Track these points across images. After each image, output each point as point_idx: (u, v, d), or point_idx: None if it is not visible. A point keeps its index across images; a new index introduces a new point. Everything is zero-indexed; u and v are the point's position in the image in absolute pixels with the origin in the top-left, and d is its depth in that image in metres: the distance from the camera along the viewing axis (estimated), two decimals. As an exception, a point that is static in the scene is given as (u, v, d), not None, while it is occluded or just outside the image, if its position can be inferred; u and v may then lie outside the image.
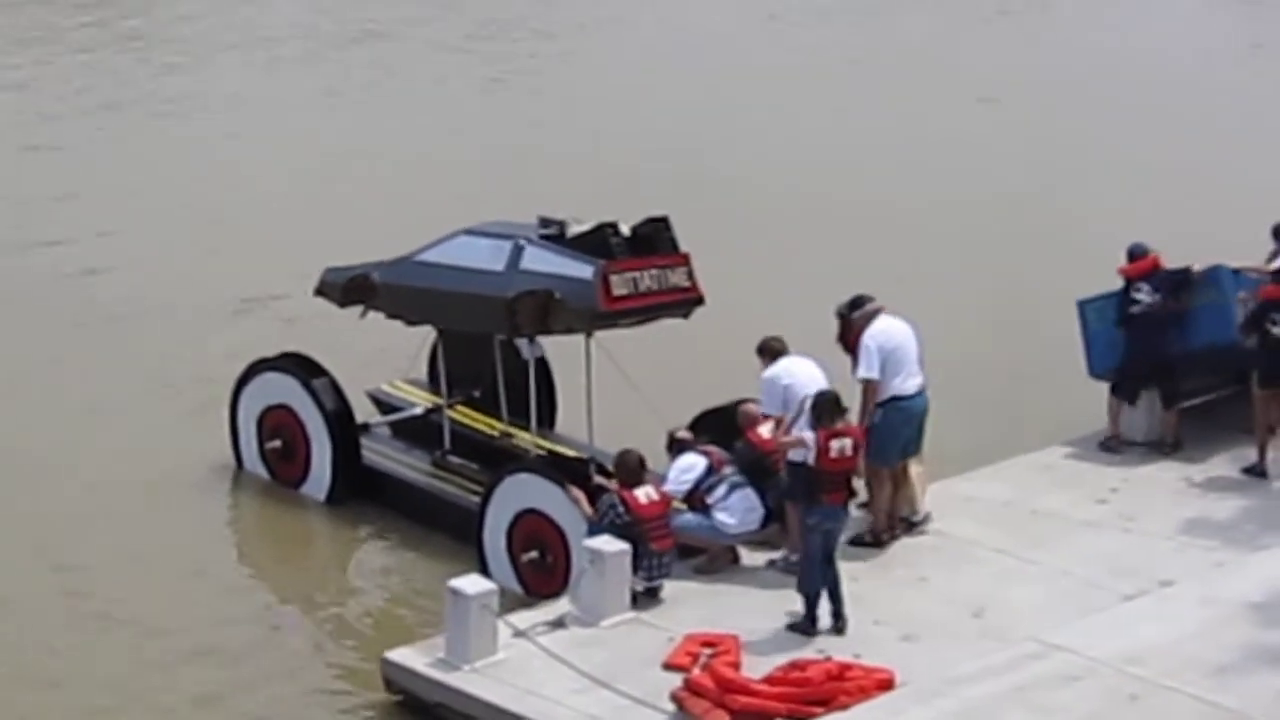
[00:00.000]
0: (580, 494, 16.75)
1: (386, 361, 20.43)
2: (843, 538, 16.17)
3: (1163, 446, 19.26)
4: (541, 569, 17.09)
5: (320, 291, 19.16)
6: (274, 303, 23.72)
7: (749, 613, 15.98)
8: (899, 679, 14.87)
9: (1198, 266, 19.17)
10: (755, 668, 15.00)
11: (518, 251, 17.76)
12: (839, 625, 15.66)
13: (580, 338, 18.06)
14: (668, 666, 15.13)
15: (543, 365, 19.20)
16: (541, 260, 17.64)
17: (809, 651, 15.30)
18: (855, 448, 15.74)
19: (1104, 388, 19.53)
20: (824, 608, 15.70)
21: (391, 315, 18.85)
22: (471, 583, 15.37)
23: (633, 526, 16.02)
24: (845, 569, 15.90)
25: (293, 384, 19.02)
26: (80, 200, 28.49)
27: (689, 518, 16.76)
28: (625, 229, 17.88)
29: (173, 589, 17.40)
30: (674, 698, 14.69)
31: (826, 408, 15.72)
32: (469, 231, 18.29)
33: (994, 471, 18.87)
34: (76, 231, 27.02)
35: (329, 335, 20.52)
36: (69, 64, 36.43)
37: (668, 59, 38.15)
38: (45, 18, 39.45)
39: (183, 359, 22.31)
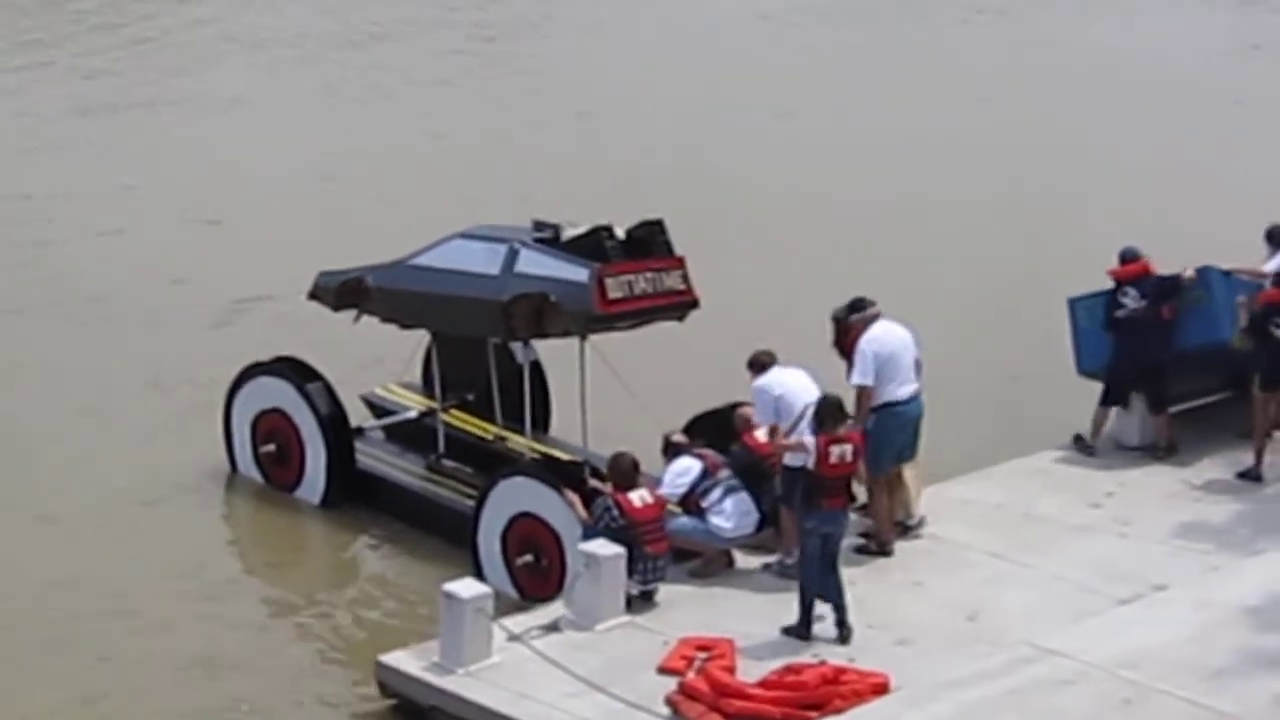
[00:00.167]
0: (575, 497, 16.74)
1: (380, 365, 20.41)
2: (845, 544, 16.17)
3: (1156, 451, 19.26)
4: (536, 572, 17.10)
5: (314, 295, 19.17)
6: (269, 305, 23.69)
7: (744, 616, 15.98)
8: (894, 683, 14.89)
9: (1189, 272, 19.16)
10: (750, 671, 15.02)
11: (513, 255, 17.76)
12: (843, 634, 15.64)
13: (574, 341, 18.05)
14: (662, 670, 15.14)
15: (537, 368, 19.21)
16: (536, 263, 17.64)
17: (804, 655, 15.29)
18: (855, 453, 15.74)
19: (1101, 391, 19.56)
20: (824, 613, 15.66)
21: (386, 319, 18.86)
22: (466, 586, 15.39)
23: (627, 530, 16.03)
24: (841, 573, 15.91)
25: (287, 388, 19.02)
26: (78, 201, 28.47)
27: (684, 521, 16.76)
28: (620, 232, 17.89)
29: (166, 593, 17.39)
30: (669, 701, 14.71)
31: (829, 412, 15.72)
32: (464, 235, 18.29)
33: (988, 475, 18.87)
34: (73, 232, 27.01)
35: (323, 338, 20.49)
36: (68, 65, 36.39)
37: (666, 59, 38.10)
38: (47, 19, 39.44)
39: (177, 361, 22.29)
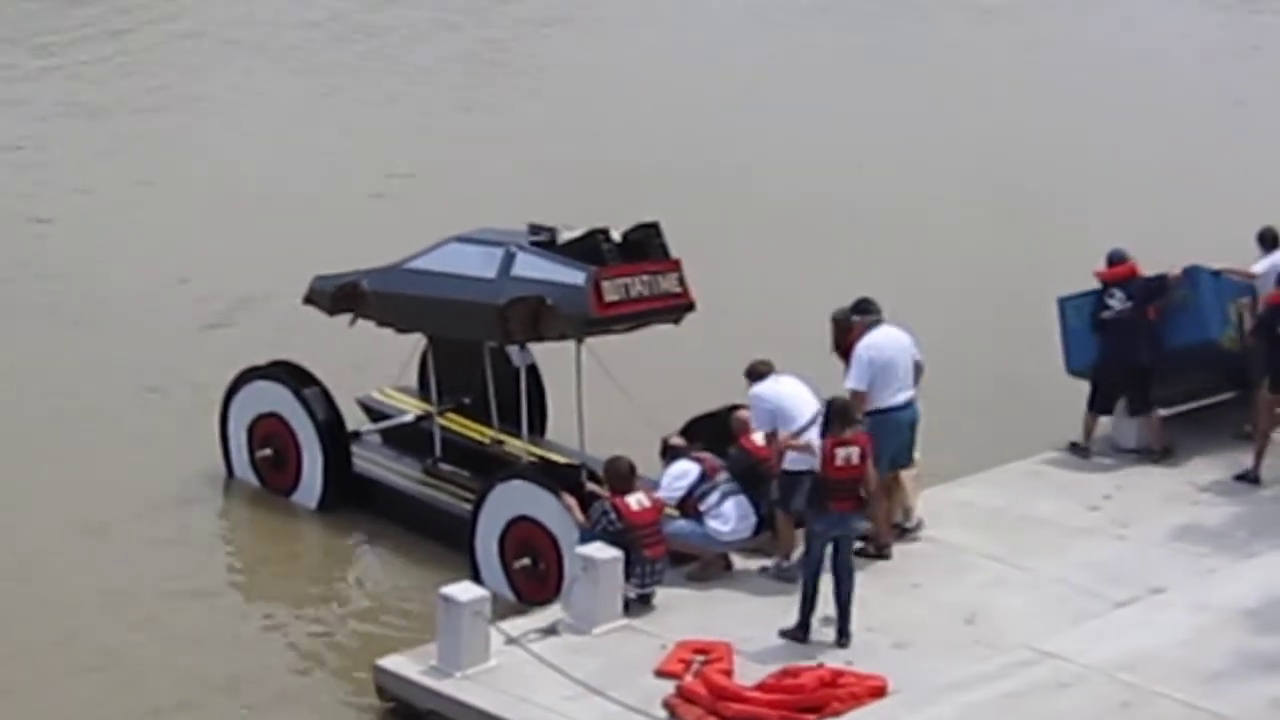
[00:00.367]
0: (572, 501, 16.72)
1: (376, 368, 20.39)
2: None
3: (1151, 455, 19.24)
4: (534, 576, 17.08)
5: (309, 300, 19.14)
6: (264, 307, 23.67)
7: (741, 620, 15.97)
8: (891, 686, 14.87)
9: (1176, 271, 19.18)
10: (748, 674, 15.00)
11: (509, 258, 17.73)
12: (842, 641, 15.61)
13: (570, 344, 18.03)
14: (660, 673, 15.12)
15: (533, 372, 19.18)
16: (533, 267, 17.62)
17: (801, 658, 15.27)
18: (862, 456, 15.67)
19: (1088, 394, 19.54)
20: (830, 614, 15.64)
21: (381, 323, 18.83)
22: (464, 590, 15.36)
23: (625, 533, 16.01)
24: (837, 575, 15.92)
25: (284, 393, 19.00)
26: (77, 200, 28.47)
27: (682, 524, 16.74)
28: (616, 235, 17.88)
29: (161, 596, 17.37)
30: (666, 705, 14.70)
31: (837, 414, 15.70)
32: (460, 239, 18.25)
33: (986, 478, 18.86)
34: (70, 231, 26.99)
35: (319, 341, 20.46)
36: (67, 65, 36.41)
37: (666, 60, 38.11)
38: (47, 20, 39.45)
39: (173, 363, 22.27)
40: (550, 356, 18.98)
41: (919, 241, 27.03)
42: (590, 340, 17.97)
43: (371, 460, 19.25)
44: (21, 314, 24.11)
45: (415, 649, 15.68)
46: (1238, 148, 32.19)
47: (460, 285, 17.88)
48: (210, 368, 20.99)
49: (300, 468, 18.98)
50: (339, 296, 18.76)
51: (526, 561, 17.08)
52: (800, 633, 15.64)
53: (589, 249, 17.67)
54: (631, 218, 18.30)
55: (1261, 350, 18.80)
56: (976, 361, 22.23)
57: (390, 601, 17.59)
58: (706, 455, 17.02)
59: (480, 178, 29.07)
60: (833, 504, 15.59)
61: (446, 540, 17.88)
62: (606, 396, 18.28)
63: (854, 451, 15.60)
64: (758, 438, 16.84)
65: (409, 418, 19.78)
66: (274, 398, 19.06)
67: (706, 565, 16.86)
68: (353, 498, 18.92)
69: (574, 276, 17.40)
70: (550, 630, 15.75)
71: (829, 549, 15.67)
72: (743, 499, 16.78)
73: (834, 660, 15.24)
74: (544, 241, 17.85)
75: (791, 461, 16.32)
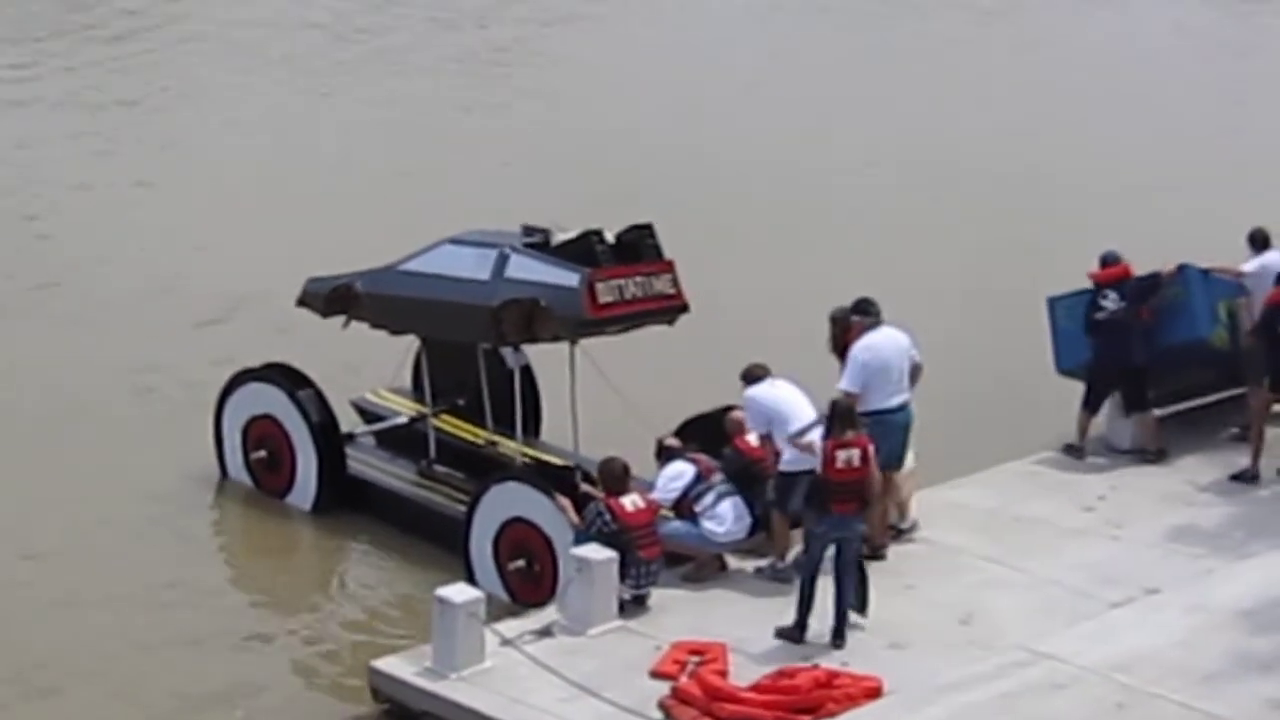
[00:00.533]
0: (567, 502, 16.72)
1: (371, 370, 20.37)
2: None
3: (1145, 455, 19.22)
4: (528, 577, 17.07)
5: (303, 302, 19.12)
6: (259, 308, 23.63)
7: (737, 621, 15.95)
8: (887, 687, 14.85)
9: (1168, 268, 19.19)
10: (743, 675, 14.98)
11: (503, 260, 17.72)
12: (838, 642, 15.57)
13: (564, 345, 18.01)
14: (655, 674, 15.11)
15: (527, 373, 19.16)
16: (527, 268, 17.61)
17: (797, 659, 15.25)
18: (864, 458, 15.62)
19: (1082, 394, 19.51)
20: (822, 619, 15.63)
21: (375, 325, 18.82)
22: (458, 591, 15.35)
23: (620, 534, 15.99)
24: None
25: (278, 395, 18.99)
26: (76, 199, 28.47)
27: (677, 525, 16.72)
28: (610, 236, 17.86)
29: (155, 599, 17.35)
30: (662, 706, 14.69)
31: (839, 416, 15.66)
32: (453, 240, 18.25)
33: (981, 479, 18.86)
34: (69, 230, 26.99)
35: (313, 342, 20.44)
36: (68, 65, 36.42)
37: (666, 59, 38.11)
38: (49, 21, 39.47)
39: (168, 364, 22.25)
40: (544, 358, 18.96)
41: (914, 243, 27.00)
42: (584, 341, 17.96)
43: (366, 462, 19.23)
44: (19, 313, 24.10)
45: (410, 650, 15.67)
46: (1237, 148, 32.17)
47: (454, 287, 17.86)
48: (206, 368, 20.99)
49: (295, 470, 18.96)
50: (332, 298, 18.74)
51: (521, 563, 17.07)
52: (796, 633, 15.62)
53: (583, 251, 17.66)
54: (630, 217, 18.29)
55: (1261, 350, 18.79)
56: (972, 362, 22.20)
57: (385, 603, 17.58)
58: (701, 456, 17.00)
59: (480, 178, 29.05)
60: (834, 506, 15.56)
61: (441, 542, 17.87)
62: (601, 398, 18.29)
63: (855, 454, 15.56)
64: (752, 439, 16.83)
65: (403, 419, 19.77)
66: (268, 400, 19.04)
67: (701, 566, 16.84)
68: (347, 500, 18.90)
69: (568, 278, 17.38)
70: (545, 631, 15.73)
71: (830, 551, 15.64)
72: (738, 500, 16.76)
73: (829, 661, 15.22)
74: (538, 243, 17.85)
75: (788, 462, 16.31)
